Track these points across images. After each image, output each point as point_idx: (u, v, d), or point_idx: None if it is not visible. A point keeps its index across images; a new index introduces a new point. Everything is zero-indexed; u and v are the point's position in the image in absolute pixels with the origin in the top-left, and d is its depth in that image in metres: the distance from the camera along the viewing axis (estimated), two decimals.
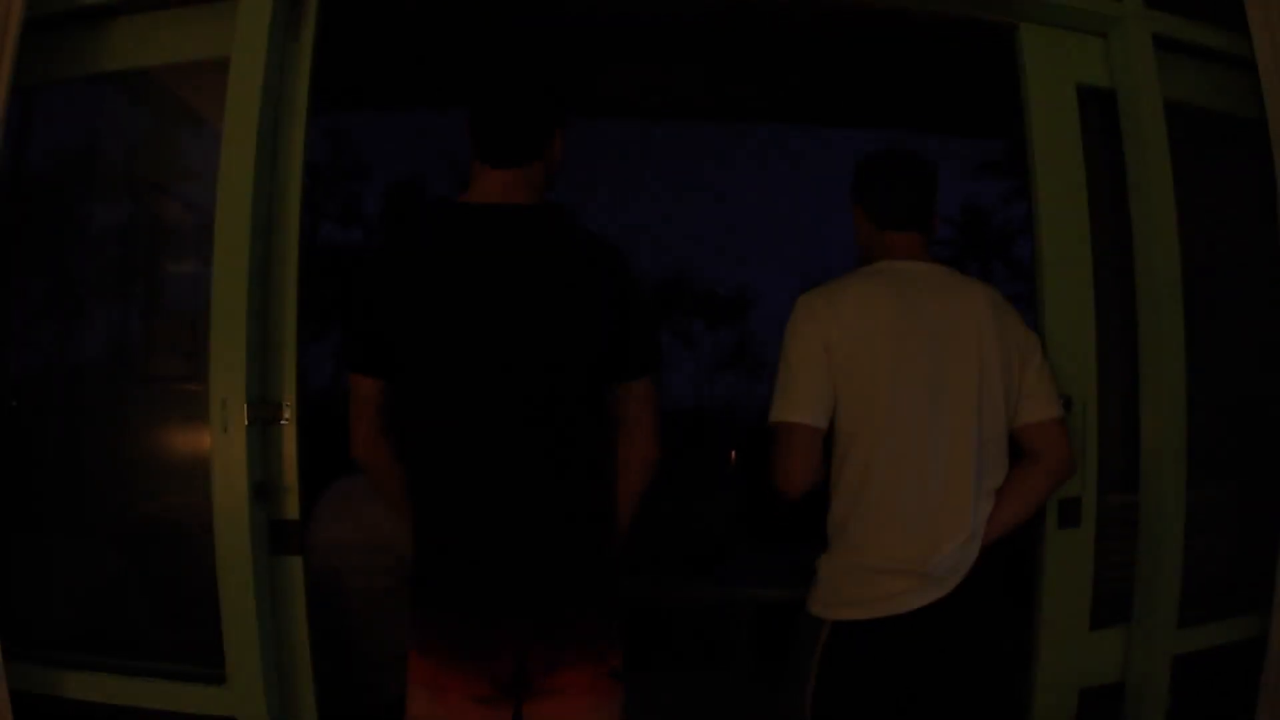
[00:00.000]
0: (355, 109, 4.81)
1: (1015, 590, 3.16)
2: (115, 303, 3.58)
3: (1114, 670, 3.27)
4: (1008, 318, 2.68)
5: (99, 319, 3.61)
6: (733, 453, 10.76)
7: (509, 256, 2.33)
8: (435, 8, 3.64)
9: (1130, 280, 3.27)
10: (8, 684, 2.74)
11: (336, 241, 44.30)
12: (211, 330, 2.81)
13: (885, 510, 2.54)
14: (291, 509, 2.87)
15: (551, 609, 2.33)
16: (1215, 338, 3.41)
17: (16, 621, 2.91)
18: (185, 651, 2.97)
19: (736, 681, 5.20)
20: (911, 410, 2.54)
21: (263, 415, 2.84)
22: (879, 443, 2.54)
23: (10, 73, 2.78)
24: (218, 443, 2.78)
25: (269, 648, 2.81)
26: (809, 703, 2.57)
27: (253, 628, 2.76)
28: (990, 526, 2.61)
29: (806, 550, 4.54)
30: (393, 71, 4.24)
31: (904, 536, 2.53)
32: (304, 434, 2.92)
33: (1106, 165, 3.32)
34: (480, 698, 2.33)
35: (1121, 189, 3.27)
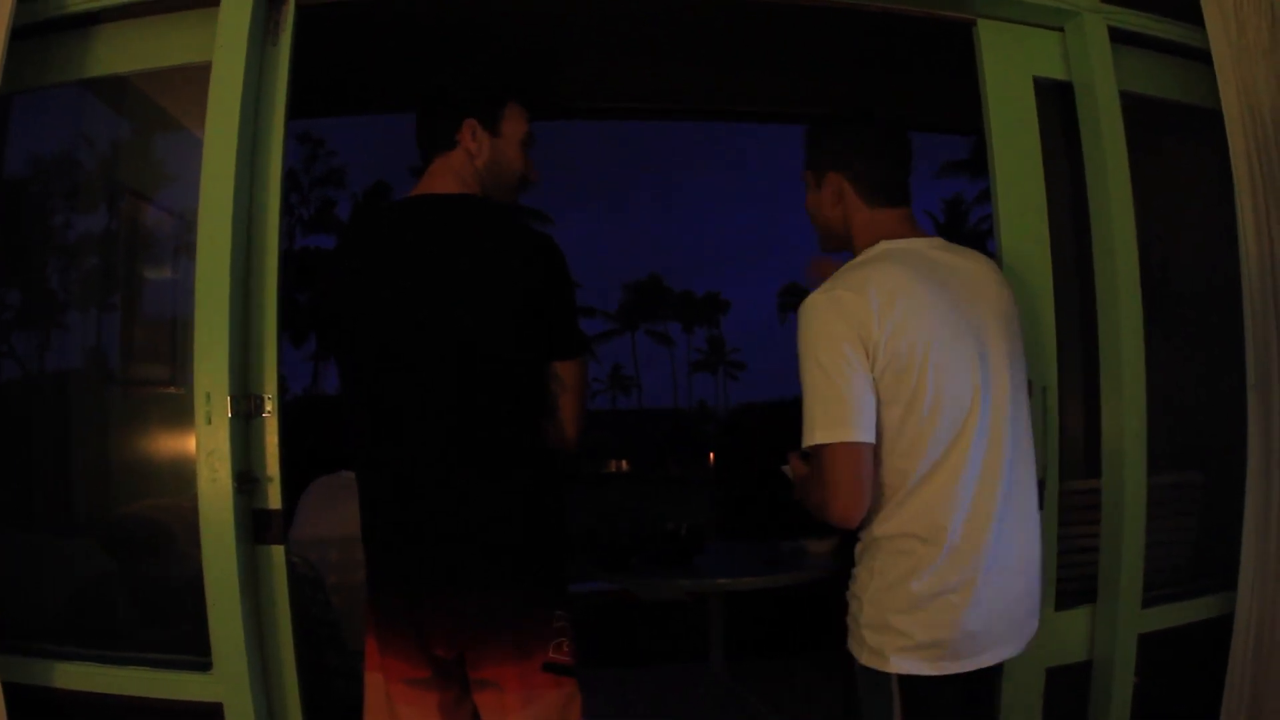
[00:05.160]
0: (331, 114, 4.86)
1: None
2: (99, 308, 3.64)
3: (1081, 650, 3.34)
4: (1009, 287, 2.47)
5: (85, 324, 3.67)
6: (711, 454, 10.88)
7: (426, 242, 2.37)
8: (401, 13, 3.72)
9: (1090, 269, 3.34)
10: None
11: (311, 247, 44.50)
12: (196, 325, 2.86)
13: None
14: (274, 499, 2.93)
15: (475, 590, 2.32)
16: (1174, 326, 3.48)
17: (6, 616, 2.98)
18: (174, 645, 3.02)
19: (709, 673, 5.25)
20: (975, 408, 2.25)
21: (245, 408, 2.90)
22: (946, 452, 2.23)
23: None
24: (201, 434, 2.84)
25: (253, 635, 2.87)
26: None
27: (237, 615, 2.81)
28: None
29: (774, 544, 4.71)
30: (367, 75, 4.30)
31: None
32: (285, 431, 2.98)
33: (1065, 156, 3.40)
34: (419, 680, 2.36)
35: (1080, 179, 3.35)
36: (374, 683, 2.42)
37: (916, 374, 2.19)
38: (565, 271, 2.43)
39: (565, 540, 2.48)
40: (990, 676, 2.32)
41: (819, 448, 2.19)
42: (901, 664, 2.22)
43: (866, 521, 2.28)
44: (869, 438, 2.17)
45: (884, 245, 2.35)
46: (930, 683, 2.22)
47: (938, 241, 2.41)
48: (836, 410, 2.16)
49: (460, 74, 2.54)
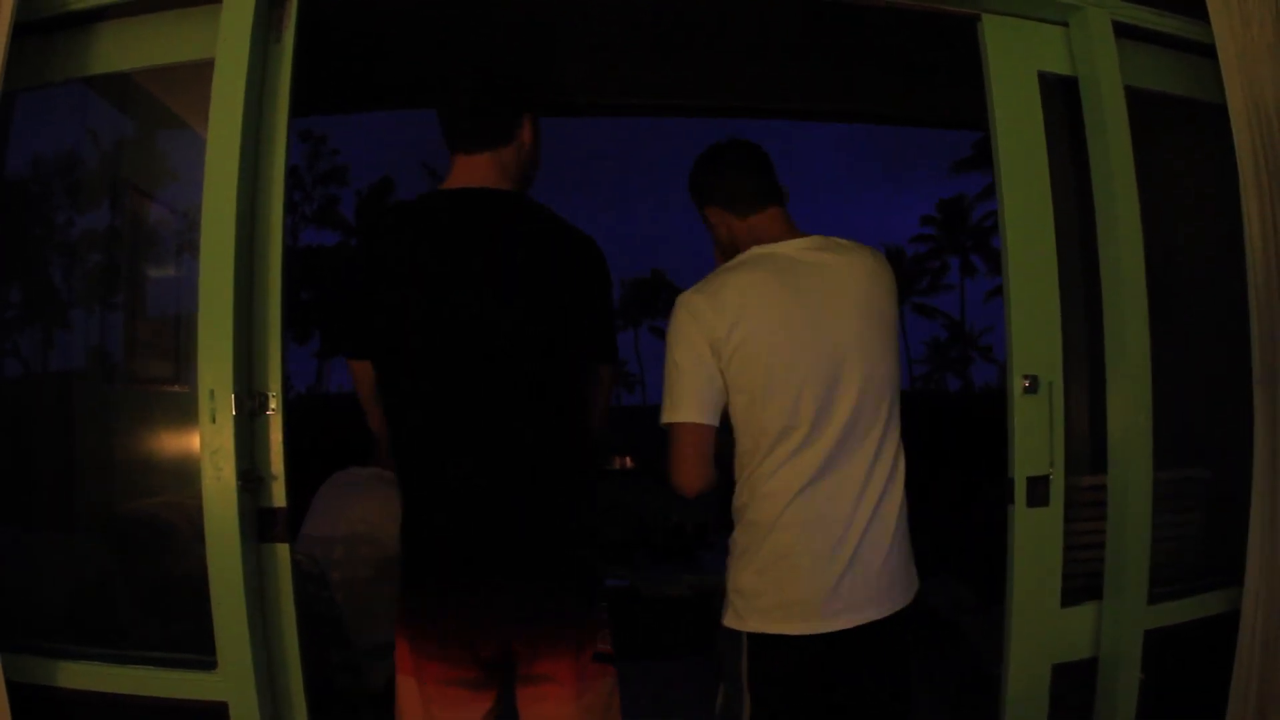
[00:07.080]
0: (334, 111, 4.85)
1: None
2: (102, 306, 3.63)
3: (1087, 646, 3.33)
4: (886, 277, 2.65)
5: (88, 321, 3.66)
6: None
7: (478, 238, 2.34)
8: (403, 10, 3.70)
9: (1095, 264, 3.33)
10: (3, 675, 2.79)
11: (315, 244, 44.60)
12: (199, 323, 2.86)
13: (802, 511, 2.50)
14: (278, 497, 2.92)
15: (527, 585, 2.32)
16: (1179, 321, 3.47)
17: (11, 615, 2.98)
18: (179, 644, 3.01)
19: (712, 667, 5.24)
20: (812, 395, 2.47)
21: (249, 406, 2.90)
22: (787, 433, 2.48)
23: (0, 77, 2.85)
24: (206, 433, 2.83)
25: (258, 633, 2.87)
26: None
27: (242, 613, 2.81)
28: None
29: None
30: (369, 71, 4.29)
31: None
32: (290, 428, 2.97)
33: (1070, 151, 3.39)
34: (463, 681, 2.35)
35: (1085, 174, 3.34)
36: (406, 686, 2.40)
37: (760, 367, 2.47)
38: (608, 274, 2.47)
39: (600, 533, 2.54)
40: (859, 641, 2.52)
41: (668, 426, 2.51)
42: (751, 623, 2.51)
43: (734, 498, 2.60)
44: (709, 420, 2.49)
45: (754, 251, 2.61)
46: (775, 641, 2.50)
47: (813, 241, 2.62)
48: (681, 397, 2.49)
49: (500, 67, 2.52)
